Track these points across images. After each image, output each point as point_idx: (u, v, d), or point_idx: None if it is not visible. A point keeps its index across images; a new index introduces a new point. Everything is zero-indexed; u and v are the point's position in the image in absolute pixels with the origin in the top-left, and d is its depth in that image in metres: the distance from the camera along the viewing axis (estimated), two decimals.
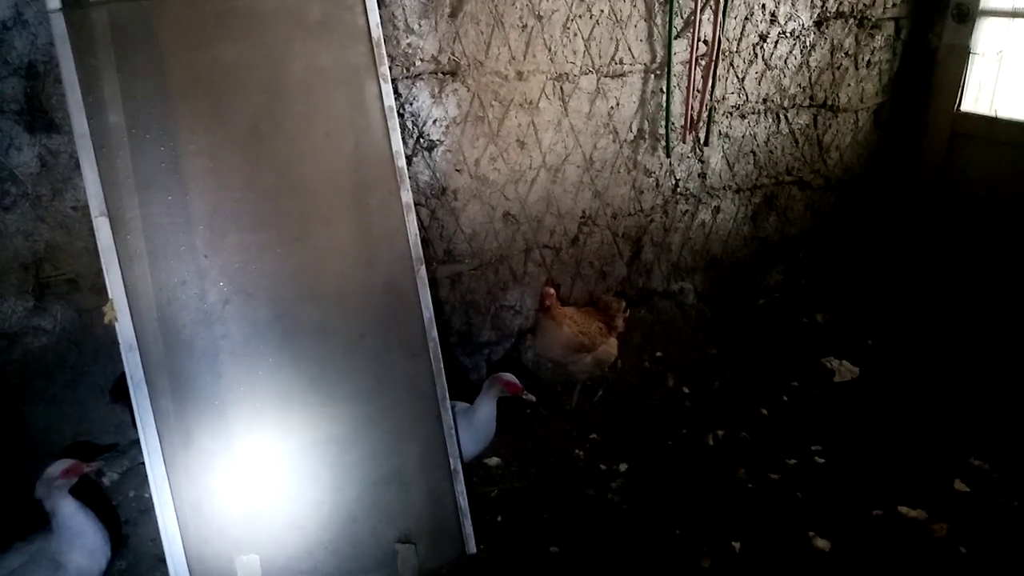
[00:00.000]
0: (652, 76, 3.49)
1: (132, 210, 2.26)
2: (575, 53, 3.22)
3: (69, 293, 2.61)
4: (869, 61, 4.16)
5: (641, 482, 2.99)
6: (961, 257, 4.26)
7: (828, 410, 3.41)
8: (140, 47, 2.26)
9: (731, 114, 3.82)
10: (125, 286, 2.24)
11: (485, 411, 2.78)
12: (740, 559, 2.61)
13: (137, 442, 2.45)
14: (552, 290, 3.24)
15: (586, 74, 3.30)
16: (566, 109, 3.30)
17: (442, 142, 3.05)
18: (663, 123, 3.57)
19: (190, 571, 2.30)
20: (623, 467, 3.08)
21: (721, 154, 3.87)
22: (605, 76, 3.35)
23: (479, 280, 3.38)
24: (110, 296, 2.24)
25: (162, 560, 2.44)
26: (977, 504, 2.82)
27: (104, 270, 2.23)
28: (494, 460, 3.09)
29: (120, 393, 2.66)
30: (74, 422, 2.75)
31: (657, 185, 3.73)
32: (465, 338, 3.45)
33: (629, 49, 3.36)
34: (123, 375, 2.26)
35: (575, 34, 3.19)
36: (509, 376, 2.78)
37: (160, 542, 2.33)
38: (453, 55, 2.94)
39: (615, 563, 2.59)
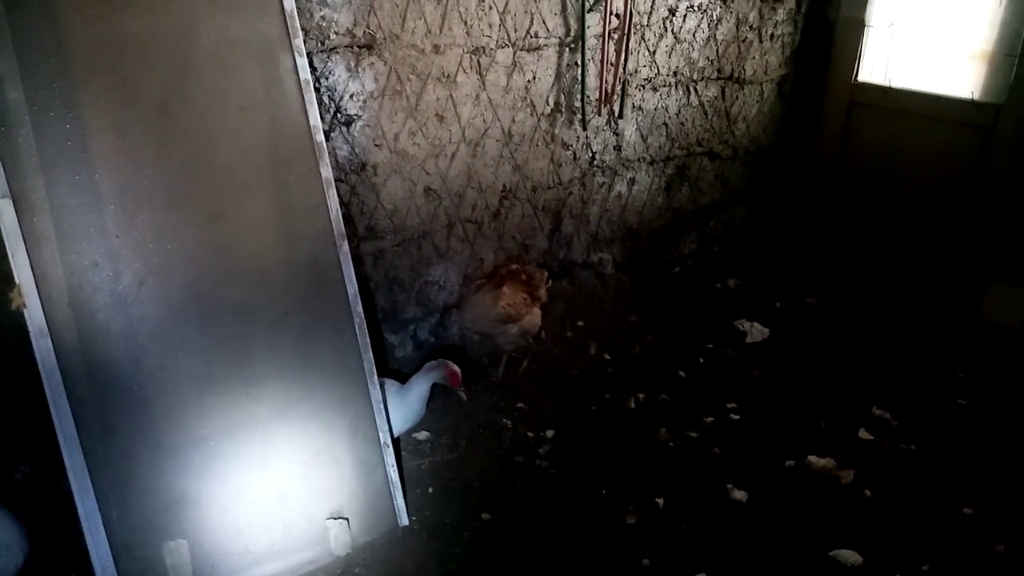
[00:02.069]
0: (567, 50, 3.53)
1: (37, 191, 2.15)
2: (491, 27, 3.23)
3: None
4: (772, 34, 4.32)
5: (567, 447, 3.07)
6: (860, 221, 4.51)
7: (741, 370, 3.57)
8: (37, 21, 2.14)
9: (643, 87, 3.91)
10: (33, 270, 2.14)
11: (418, 390, 2.79)
12: (664, 514, 2.72)
13: (52, 434, 2.37)
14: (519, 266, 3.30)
15: (502, 48, 3.31)
16: (484, 83, 3.32)
17: (360, 117, 3.02)
18: (579, 96, 3.63)
19: (115, 561, 2.25)
20: (550, 433, 3.15)
21: (635, 126, 3.96)
22: (521, 50, 3.37)
23: (402, 256, 3.37)
24: (17, 281, 2.14)
25: (85, 552, 2.37)
26: (880, 450, 3.02)
27: (9, 254, 2.13)
28: (423, 434, 3.12)
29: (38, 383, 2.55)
30: None
31: (575, 158, 3.80)
32: (390, 315, 3.44)
33: (544, 23, 3.39)
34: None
35: (490, 7, 3.19)
36: (455, 367, 2.80)
37: (82, 535, 2.26)
38: (368, 28, 2.90)
39: (545, 525, 2.67)
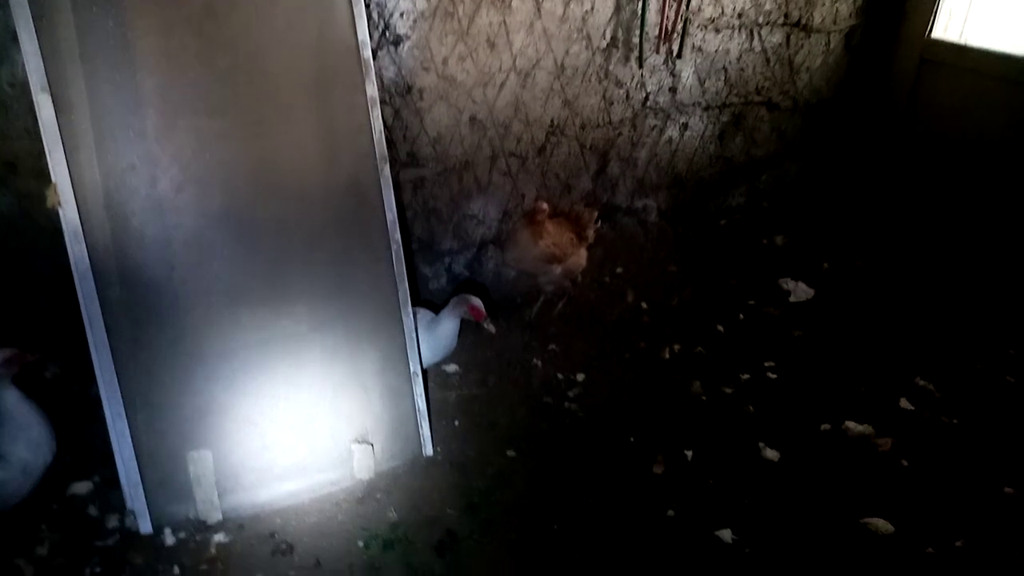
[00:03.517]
0: None
1: (77, 88, 2.10)
2: None
3: (8, 177, 2.46)
4: None
5: (598, 392, 3.02)
6: (922, 184, 4.30)
7: (782, 329, 3.47)
8: None
9: (705, 27, 3.72)
10: (69, 169, 2.10)
11: (448, 326, 2.73)
12: (692, 466, 2.67)
13: (83, 334, 2.37)
14: (546, 206, 3.15)
15: None
16: (540, 10, 3.17)
17: (409, 36, 2.90)
18: (637, 32, 3.46)
19: (139, 466, 2.26)
20: (580, 377, 3.10)
21: (693, 69, 3.79)
22: None
23: (442, 186, 3.29)
24: (53, 180, 2.10)
25: (110, 455, 2.39)
26: (920, 421, 2.92)
27: (46, 151, 2.08)
28: (452, 367, 3.08)
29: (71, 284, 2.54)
30: (16, 312, 2.63)
31: (627, 97, 3.65)
32: (426, 246, 3.38)
33: None
34: None
35: None
36: (476, 301, 2.72)
37: (108, 437, 2.27)
38: None
39: (570, 468, 2.63)
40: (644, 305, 3.60)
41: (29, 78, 2.05)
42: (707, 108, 3.96)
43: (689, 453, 2.72)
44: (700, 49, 3.75)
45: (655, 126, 3.83)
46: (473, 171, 3.36)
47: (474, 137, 3.27)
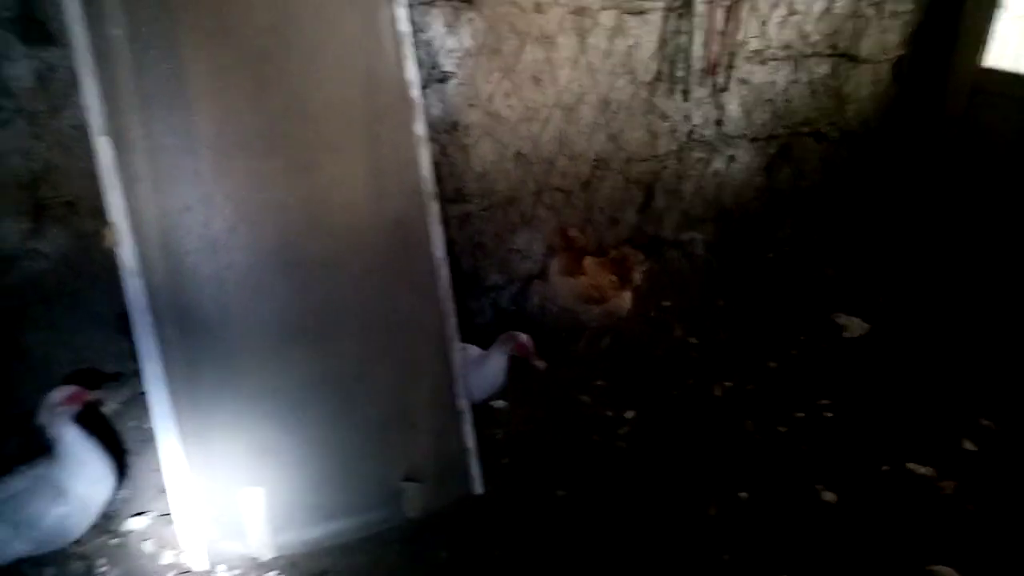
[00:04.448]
0: (674, 15, 3.35)
1: (135, 130, 2.16)
2: None
3: (68, 216, 2.52)
4: (893, 11, 4.02)
5: (647, 430, 2.96)
6: (977, 215, 4.19)
7: (837, 365, 3.37)
8: None
9: (751, 59, 3.70)
10: (127, 210, 2.15)
11: (496, 363, 2.71)
12: (747, 508, 2.59)
13: (139, 372, 2.40)
14: (575, 232, 3.12)
15: (606, 9, 3.16)
16: (584, 46, 3.18)
17: (455, 75, 2.94)
18: (682, 66, 3.45)
19: (194, 502, 2.27)
20: (629, 415, 3.04)
21: (739, 101, 3.76)
22: (626, 12, 3.22)
23: (488, 221, 3.30)
24: (111, 220, 2.15)
25: (164, 491, 2.41)
26: (985, 463, 2.80)
27: (105, 192, 2.14)
28: (500, 403, 3.05)
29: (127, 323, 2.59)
30: (74, 350, 2.69)
31: (673, 130, 3.63)
32: (472, 281, 3.38)
33: None
34: None
35: None
36: (524, 338, 2.70)
37: (162, 473, 2.29)
38: None
39: (622, 509, 2.57)
40: (692, 340, 3.54)
41: (89, 121, 2.11)
42: (753, 140, 3.92)
43: (744, 494, 2.64)
44: (746, 81, 3.73)
45: (701, 158, 3.80)
46: (518, 206, 3.36)
47: (519, 172, 3.28)
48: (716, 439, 2.90)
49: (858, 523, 2.53)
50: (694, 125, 3.68)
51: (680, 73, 3.47)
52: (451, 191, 3.15)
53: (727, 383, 3.23)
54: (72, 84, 2.32)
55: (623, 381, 3.24)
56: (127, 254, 2.16)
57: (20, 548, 2.16)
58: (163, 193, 2.19)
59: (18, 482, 2.17)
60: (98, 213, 2.34)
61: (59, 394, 2.17)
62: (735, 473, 2.73)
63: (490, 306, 3.48)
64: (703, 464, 2.77)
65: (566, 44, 3.13)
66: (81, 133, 2.40)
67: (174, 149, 2.19)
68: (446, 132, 3.02)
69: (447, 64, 2.90)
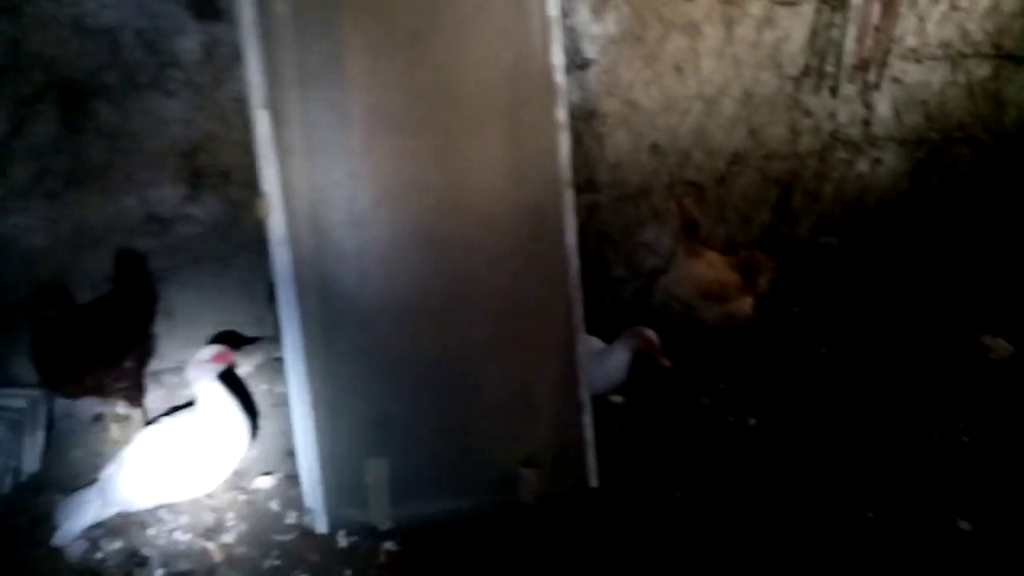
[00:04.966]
0: (827, 8, 3.19)
1: (292, 104, 2.23)
2: None
3: (221, 185, 2.64)
4: None
5: (771, 439, 2.85)
6: None
7: (979, 388, 3.15)
8: None
9: (906, 58, 3.48)
10: (280, 182, 2.23)
11: (620, 357, 2.67)
12: (875, 530, 2.46)
13: (272, 338, 2.49)
14: (689, 201, 3.01)
15: None
16: (731, 37, 3.08)
17: (597, 61, 2.90)
18: (832, 61, 3.29)
19: (320, 467, 2.35)
20: (752, 421, 2.94)
21: (890, 101, 3.55)
22: (777, 3, 3.09)
23: (617, 213, 3.25)
24: (263, 191, 2.23)
25: (291, 453, 2.50)
26: None
27: (260, 164, 2.22)
28: (618, 398, 3.02)
29: (269, 290, 2.70)
30: (216, 312, 2.83)
31: (816, 128, 3.47)
32: (595, 272, 3.34)
33: None
34: None
35: None
36: (651, 334, 2.64)
37: (290, 436, 2.38)
38: None
39: (739, 519, 2.49)
40: (823, 349, 3.39)
41: (250, 94, 2.19)
42: (902, 143, 3.70)
43: (871, 515, 2.51)
44: (899, 80, 3.51)
45: (844, 159, 3.62)
46: (649, 199, 3.29)
47: (653, 164, 3.22)
48: (843, 455, 2.77)
49: (995, 555, 2.36)
50: (839, 124, 3.50)
51: (829, 69, 3.31)
52: (582, 180, 3.10)
53: (858, 397, 3.07)
54: (235, 58, 2.42)
55: (747, 386, 3.14)
56: (277, 225, 2.24)
57: (161, 497, 2.29)
58: (314, 167, 2.26)
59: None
60: (249, 184, 2.45)
61: (208, 351, 2.28)
62: (862, 492, 2.60)
63: (612, 300, 3.44)
64: (828, 479, 2.65)
65: (712, 34, 3.04)
66: (239, 106, 2.51)
67: (327, 125, 2.25)
68: (582, 120, 2.98)
69: (589, 51, 2.86)
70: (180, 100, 2.46)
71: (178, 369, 2.77)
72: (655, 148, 3.17)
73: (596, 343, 2.75)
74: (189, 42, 2.41)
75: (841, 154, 3.59)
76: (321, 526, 2.37)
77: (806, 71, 3.30)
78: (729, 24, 3.05)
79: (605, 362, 2.67)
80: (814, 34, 3.23)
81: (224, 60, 2.46)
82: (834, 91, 3.36)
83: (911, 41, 3.45)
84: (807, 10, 3.17)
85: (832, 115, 3.46)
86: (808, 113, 3.41)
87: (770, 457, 2.76)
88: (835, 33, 3.24)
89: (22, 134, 2.34)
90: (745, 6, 3.04)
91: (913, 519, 2.50)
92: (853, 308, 3.69)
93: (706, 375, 3.19)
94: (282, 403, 2.81)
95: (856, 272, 3.88)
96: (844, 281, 3.83)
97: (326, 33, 2.22)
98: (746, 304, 3.16)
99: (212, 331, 2.83)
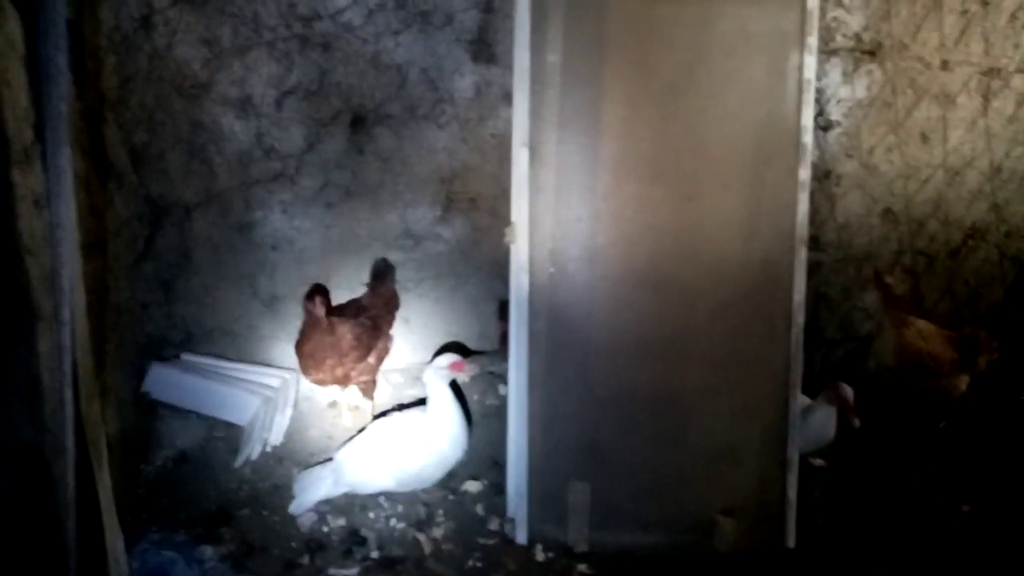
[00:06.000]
0: None
1: (549, 145, 2.43)
2: (1016, 47, 2.87)
3: (468, 211, 2.90)
4: None
5: (983, 531, 2.68)
6: None
7: None
8: None
9: None
10: (529, 214, 2.43)
11: (823, 415, 2.66)
12: None
13: (490, 353, 2.67)
14: (892, 279, 2.94)
15: (1021, 72, 2.92)
16: (986, 108, 2.97)
17: (840, 124, 2.90)
18: None
19: (527, 482, 2.50)
20: (965, 509, 2.79)
21: None
22: None
23: (838, 274, 3.21)
24: (513, 220, 2.44)
25: (496, 463, 2.68)
26: None
27: (513, 196, 2.43)
28: (818, 461, 2.96)
29: (504, 311, 2.92)
30: (446, 324, 3.09)
31: None
32: (808, 331, 3.29)
33: None
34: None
35: (1023, 26, 2.83)
36: (847, 390, 2.62)
37: (498, 445, 2.55)
38: (877, 34, 2.76)
39: None
40: None
41: (514, 132, 2.41)
42: None
43: None
44: None
45: None
46: (873, 263, 3.22)
47: (883, 229, 3.15)
48: None
49: None
50: None
51: None
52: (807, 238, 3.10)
53: None
54: (500, 98, 2.68)
55: (961, 470, 2.97)
56: (521, 252, 2.45)
57: (386, 485, 2.54)
58: (561, 204, 2.44)
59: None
60: (494, 211, 2.68)
61: (446, 359, 2.52)
62: None
63: (821, 360, 3.37)
64: None
65: (967, 105, 2.95)
66: (496, 140, 2.76)
67: (578, 166, 2.43)
68: (816, 179, 2.98)
69: (834, 113, 2.88)
70: (448, 132, 2.75)
71: (406, 371, 3.05)
72: (888, 213, 3.11)
73: (803, 399, 2.73)
74: (464, 82, 2.68)
75: None
76: (520, 537, 2.52)
77: None
78: (987, 96, 2.94)
79: (808, 419, 2.65)
80: None
81: (491, 99, 2.72)
82: None
83: None
84: None
85: None
86: None
87: (982, 551, 2.60)
88: None
89: (315, 150, 2.72)
90: (1008, 79, 2.92)
91: None
92: None
93: (916, 451, 3.05)
94: (492, 414, 3.01)
95: None
96: None
97: (589, 82, 2.41)
98: (961, 382, 3.01)
99: (441, 341, 3.10)
